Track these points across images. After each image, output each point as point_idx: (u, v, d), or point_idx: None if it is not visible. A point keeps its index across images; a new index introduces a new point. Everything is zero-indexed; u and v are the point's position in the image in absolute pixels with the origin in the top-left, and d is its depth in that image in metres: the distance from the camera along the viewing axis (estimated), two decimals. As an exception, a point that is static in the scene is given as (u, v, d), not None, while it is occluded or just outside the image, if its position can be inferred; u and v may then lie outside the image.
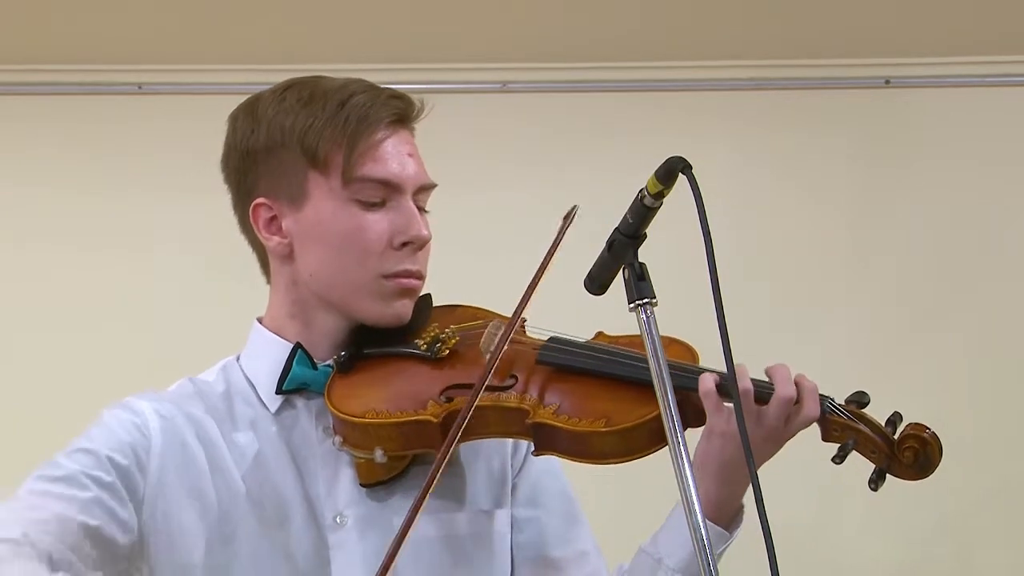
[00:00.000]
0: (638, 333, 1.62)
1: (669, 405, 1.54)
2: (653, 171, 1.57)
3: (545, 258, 1.73)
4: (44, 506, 1.60)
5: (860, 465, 1.67)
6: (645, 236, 1.61)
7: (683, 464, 1.53)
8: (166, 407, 1.71)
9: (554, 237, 1.74)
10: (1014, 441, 3.10)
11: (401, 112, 1.72)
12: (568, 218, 1.76)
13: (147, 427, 1.69)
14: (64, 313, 3.19)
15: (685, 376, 1.66)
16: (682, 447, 1.54)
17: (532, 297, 1.72)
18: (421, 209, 1.74)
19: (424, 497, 1.59)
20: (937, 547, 3.13)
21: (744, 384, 1.63)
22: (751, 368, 1.67)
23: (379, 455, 1.68)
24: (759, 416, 1.62)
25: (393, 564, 1.55)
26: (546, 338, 1.75)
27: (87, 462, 1.64)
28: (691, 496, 1.53)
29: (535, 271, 1.72)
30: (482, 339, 1.75)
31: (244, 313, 1.83)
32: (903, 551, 3.13)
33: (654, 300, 1.58)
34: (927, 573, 3.17)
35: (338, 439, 1.70)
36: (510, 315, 1.73)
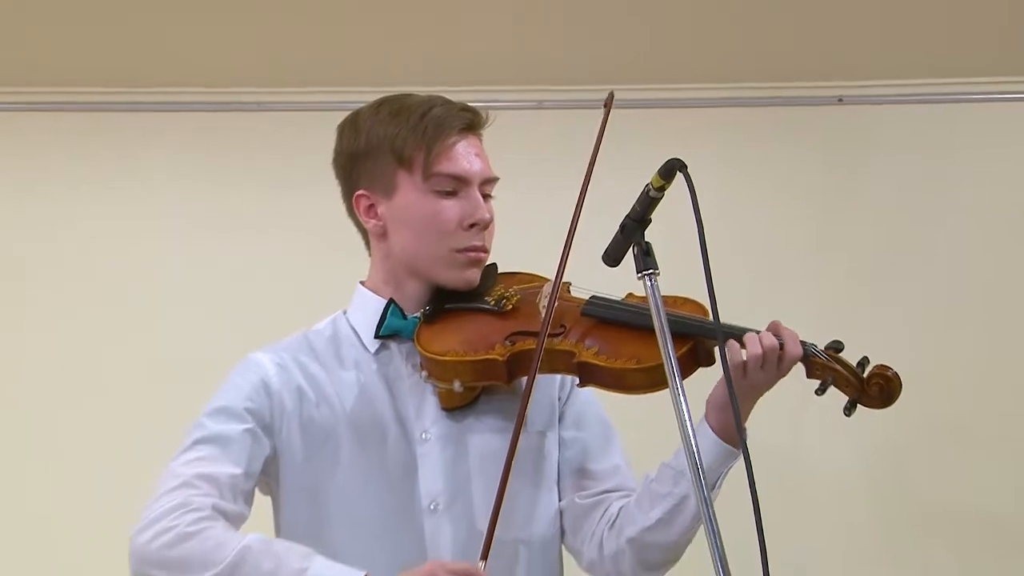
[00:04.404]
0: (666, 294, 1.80)
1: (668, 350, 1.73)
2: (655, 171, 1.77)
3: (593, 152, 1.85)
4: (203, 468, 1.81)
5: (830, 396, 1.86)
6: (650, 221, 1.80)
7: (680, 399, 1.72)
8: (280, 356, 1.92)
9: (600, 125, 1.85)
10: (951, 380, 3.31)
11: (470, 121, 1.93)
12: (608, 104, 1.86)
13: (267, 374, 1.90)
14: (219, 286, 3.36)
15: (696, 325, 1.85)
16: (679, 385, 1.72)
17: (575, 239, 1.85)
18: (487, 196, 1.94)
19: (523, 417, 1.79)
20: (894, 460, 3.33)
21: (753, 349, 1.79)
22: (735, 320, 1.85)
23: (456, 386, 1.89)
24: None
25: (512, 465, 1.75)
26: (588, 296, 1.93)
27: (227, 418, 1.86)
28: (686, 421, 1.72)
29: (581, 185, 1.83)
30: (538, 296, 1.94)
31: (343, 282, 2.04)
32: (866, 463, 3.34)
33: (657, 271, 1.78)
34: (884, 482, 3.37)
35: (424, 373, 1.91)
36: (559, 264, 1.87)
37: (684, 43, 3.02)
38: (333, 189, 2.02)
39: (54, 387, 3.40)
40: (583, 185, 1.86)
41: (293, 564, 1.71)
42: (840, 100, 3.46)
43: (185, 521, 1.74)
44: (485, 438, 1.91)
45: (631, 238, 1.79)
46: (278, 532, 1.94)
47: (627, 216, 1.80)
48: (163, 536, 1.74)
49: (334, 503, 1.87)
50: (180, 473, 1.80)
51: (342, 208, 2.01)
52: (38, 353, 3.43)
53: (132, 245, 3.43)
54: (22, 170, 3.47)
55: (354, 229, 2.02)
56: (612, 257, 1.81)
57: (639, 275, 1.78)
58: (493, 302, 1.96)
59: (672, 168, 1.75)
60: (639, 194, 1.79)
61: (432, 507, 1.87)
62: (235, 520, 1.80)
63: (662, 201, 1.80)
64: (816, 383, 1.86)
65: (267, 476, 1.89)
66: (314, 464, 1.87)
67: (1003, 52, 3.42)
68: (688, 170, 1.75)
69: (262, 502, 1.94)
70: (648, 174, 1.79)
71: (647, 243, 1.79)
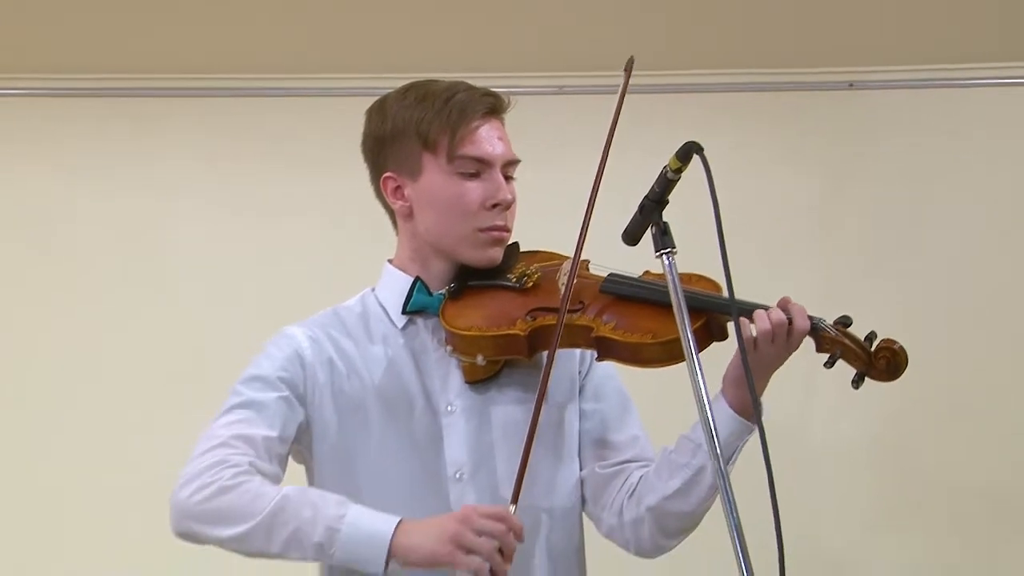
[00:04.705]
0: (681, 272, 1.83)
1: (686, 325, 1.77)
2: (672, 153, 1.80)
3: (614, 117, 1.86)
4: (240, 429, 1.86)
5: (839, 369, 1.90)
6: (667, 201, 1.83)
7: (697, 372, 1.76)
8: (313, 331, 1.97)
9: (620, 89, 1.87)
10: (955, 355, 3.37)
11: (492, 106, 1.97)
12: (628, 69, 1.88)
13: (300, 346, 1.94)
14: (253, 267, 3.44)
15: (711, 301, 1.89)
16: (696, 358, 1.76)
17: (595, 220, 1.86)
18: (509, 178, 1.97)
19: (544, 389, 1.83)
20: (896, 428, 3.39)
21: (762, 324, 1.83)
22: (747, 298, 1.88)
23: (480, 359, 1.93)
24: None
25: (535, 434, 1.80)
26: (606, 274, 1.97)
27: (262, 386, 1.90)
28: (703, 394, 1.76)
29: (602, 151, 1.86)
30: (558, 274, 1.98)
31: (371, 261, 2.09)
32: (873, 434, 3.39)
33: (674, 249, 1.81)
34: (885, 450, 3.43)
35: (449, 348, 1.95)
36: (578, 243, 1.90)
37: (701, 30, 3.06)
38: (362, 172, 2.05)
39: (79, 367, 3.45)
40: (603, 155, 1.88)
41: (331, 510, 1.75)
42: (851, 85, 3.50)
43: (224, 476, 1.79)
44: (507, 410, 1.95)
45: (650, 218, 1.82)
46: (310, 472, 1.98)
47: (646, 197, 1.83)
48: (203, 491, 1.78)
49: (364, 471, 1.92)
50: (217, 435, 1.85)
51: (370, 190, 2.05)
52: (64, 334, 3.48)
53: (168, 230, 3.49)
54: (63, 155, 3.51)
55: (381, 210, 2.06)
56: (631, 236, 1.85)
57: (657, 254, 1.81)
58: (515, 279, 1.99)
59: (689, 151, 1.79)
60: (657, 176, 1.83)
61: (457, 475, 1.91)
62: (271, 479, 1.84)
63: (678, 184, 1.83)
64: (825, 357, 1.88)
65: (300, 445, 1.93)
66: (345, 434, 1.92)
67: (1010, 38, 3.46)
68: (704, 152, 1.78)
69: (294, 471, 1.97)
70: (665, 157, 1.82)
71: (665, 223, 1.82)
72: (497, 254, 1.99)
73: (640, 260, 1.94)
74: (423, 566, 1.76)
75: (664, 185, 1.82)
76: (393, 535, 1.74)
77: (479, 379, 1.96)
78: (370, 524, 1.76)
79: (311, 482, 1.97)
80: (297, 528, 1.75)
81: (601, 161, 1.89)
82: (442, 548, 1.73)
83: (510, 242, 2.02)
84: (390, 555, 1.74)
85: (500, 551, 1.74)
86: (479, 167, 1.96)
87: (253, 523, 1.76)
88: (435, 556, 1.74)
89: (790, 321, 1.84)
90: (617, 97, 1.88)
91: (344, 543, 1.74)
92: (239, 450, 1.83)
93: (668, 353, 1.88)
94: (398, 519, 1.76)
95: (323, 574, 1.97)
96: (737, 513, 1.73)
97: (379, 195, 2.03)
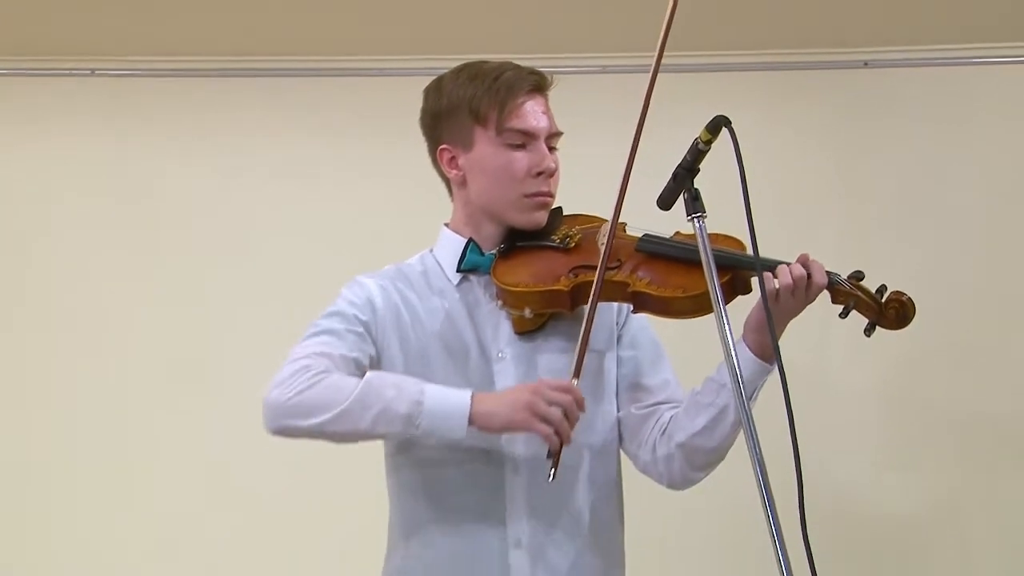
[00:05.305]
0: (709, 232, 1.92)
1: (715, 280, 1.88)
2: (702, 127, 1.90)
3: (661, 44, 1.92)
4: (320, 349, 1.97)
5: (853, 319, 2.00)
6: (698, 170, 1.92)
7: (724, 321, 1.86)
8: (382, 281, 2.09)
9: (667, 16, 1.92)
10: (957, 306, 3.45)
11: (536, 83, 2.07)
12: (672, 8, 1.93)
13: (372, 293, 2.06)
14: (330, 230, 3.57)
15: (736, 258, 1.97)
16: (724, 310, 1.87)
17: (631, 188, 1.94)
18: (552, 148, 2.07)
19: (587, 337, 1.93)
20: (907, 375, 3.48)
21: (784, 279, 1.92)
22: (769, 255, 1.96)
23: (527, 312, 2.04)
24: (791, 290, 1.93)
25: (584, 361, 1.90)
26: (641, 234, 2.06)
27: (339, 320, 2.02)
28: (730, 341, 1.87)
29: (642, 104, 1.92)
30: (597, 235, 2.06)
31: (427, 225, 2.21)
32: (883, 377, 3.49)
33: (704, 214, 1.91)
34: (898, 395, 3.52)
35: (499, 302, 2.05)
36: (616, 206, 1.97)
37: (729, 13, 3.12)
38: (421, 144, 2.15)
39: (165, 324, 3.60)
40: (638, 128, 1.95)
41: (412, 388, 1.89)
42: (866, 64, 3.56)
43: (309, 375, 1.91)
44: (552, 357, 2.05)
45: (682, 185, 1.91)
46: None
47: (678, 166, 1.92)
48: (292, 388, 1.90)
49: None
50: (299, 354, 1.96)
51: (427, 160, 2.15)
52: (146, 298, 3.62)
53: (256, 200, 3.63)
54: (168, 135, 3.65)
55: (438, 178, 2.16)
56: (665, 201, 1.94)
57: (689, 217, 1.91)
58: (559, 240, 2.08)
59: (718, 124, 1.88)
60: (689, 147, 1.92)
61: None
62: None
63: (708, 156, 1.91)
64: (840, 308, 1.98)
65: None
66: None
67: (1018, 17, 3.50)
68: (732, 125, 1.88)
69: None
70: (695, 131, 1.91)
71: (696, 189, 1.91)
72: (542, 217, 2.08)
73: (672, 222, 2.03)
74: (499, 431, 1.91)
75: (695, 155, 1.91)
76: (471, 404, 1.88)
77: (527, 330, 2.05)
78: (449, 396, 1.90)
79: None
80: (384, 406, 1.87)
81: (636, 133, 1.97)
82: (518, 415, 1.87)
83: (554, 206, 2.11)
84: (470, 421, 1.87)
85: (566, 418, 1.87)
86: (525, 139, 2.05)
87: (342, 407, 1.87)
88: (511, 422, 1.89)
89: (809, 276, 1.93)
90: (650, 76, 1.96)
91: (428, 413, 1.87)
92: (321, 363, 1.94)
93: (696, 306, 1.97)
94: (470, 392, 1.90)
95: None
96: (759, 447, 1.82)
97: (436, 165, 2.13)
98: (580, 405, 1.90)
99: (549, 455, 1.92)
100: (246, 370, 3.29)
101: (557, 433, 1.88)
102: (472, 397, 1.90)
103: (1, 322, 3.64)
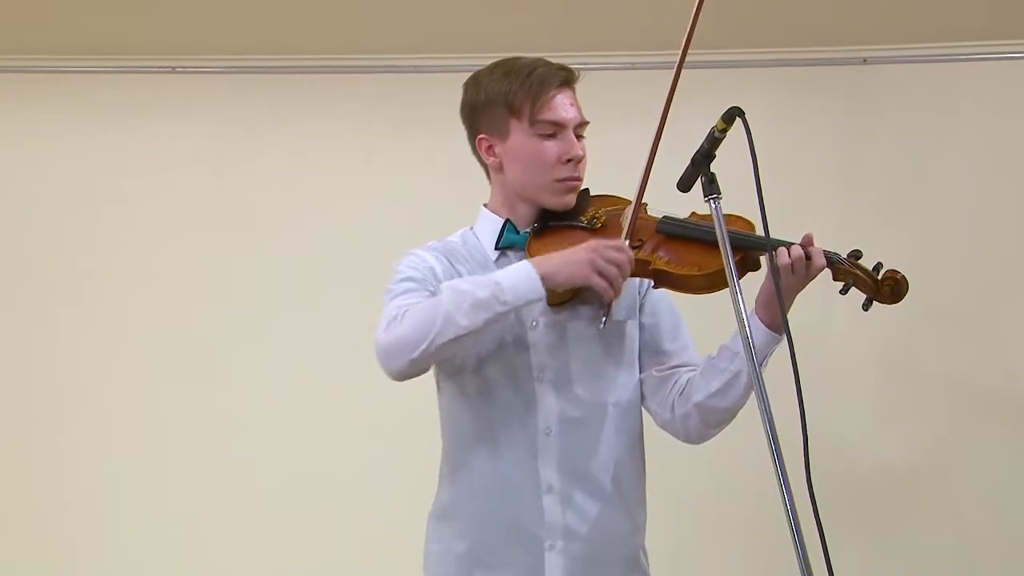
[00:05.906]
0: (724, 214, 2.01)
1: (729, 258, 1.97)
2: (718, 117, 1.99)
3: (689, 30, 1.99)
4: (405, 301, 2.05)
5: (852, 295, 2.09)
6: (715, 156, 2.01)
7: (738, 294, 1.97)
8: (435, 253, 2.18)
9: (676, 65, 2.01)
10: (947, 282, 3.54)
11: (566, 78, 2.16)
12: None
13: (431, 264, 2.15)
14: (383, 210, 3.68)
15: (747, 239, 2.07)
16: (738, 285, 1.96)
17: (653, 172, 2.04)
18: (580, 137, 2.17)
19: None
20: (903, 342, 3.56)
21: (783, 259, 2.01)
22: (776, 235, 2.04)
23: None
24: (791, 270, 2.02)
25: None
26: (661, 216, 2.14)
27: (411, 283, 2.12)
28: (743, 312, 1.97)
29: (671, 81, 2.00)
30: (622, 216, 2.15)
31: (466, 206, 2.30)
32: (880, 347, 3.60)
33: (720, 196, 1.99)
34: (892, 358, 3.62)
35: None
36: (638, 190, 2.06)
37: (728, 14, 3.20)
38: (462, 134, 2.26)
39: (175, 323, 3.69)
40: (661, 119, 2.04)
41: (483, 278, 2.01)
42: (864, 61, 3.64)
43: (401, 314, 2.02)
44: (580, 325, 2.15)
45: (700, 169, 2.01)
46: (440, 380, 2.21)
47: (696, 152, 2.02)
48: (392, 330, 2.00)
49: (471, 364, 2.14)
50: (390, 311, 2.05)
51: (468, 148, 2.25)
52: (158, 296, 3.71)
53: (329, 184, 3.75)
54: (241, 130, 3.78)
55: (477, 164, 2.26)
56: (684, 184, 2.04)
57: (706, 199, 2.01)
58: (586, 221, 2.17)
59: (733, 114, 1.98)
60: (706, 135, 2.01)
61: (539, 376, 2.13)
62: None
63: (722, 143, 2.00)
64: (840, 285, 2.08)
65: None
66: None
67: (1000, 18, 3.59)
68: (745, 115, 1.98)
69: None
70: (711, 121, 2.01)
71: (712, 173, 2.01)
72: (571, 200, 2.18)
73: (688, 203, 2.12)
74: (564, 286, 2.02)
75: (712, 142, 2.01)
76: (534, 267, 2.00)
77: (558, 302, 2.12)
78: (513, 270, 2.01)
79: (438, 370, 2.21)
80: (472, 299, 1.97)
81: (660, 123, 2.08)
82: (580, 270, 2.00)
83: (582, 189, 2.20)
84: (541, 281, 1.99)
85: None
86: (555, 129, 2.15)
87: (440, 321, 1.96)
88: (574, 277, 2.01)
89: (808, 256, 2.04)
90: (674, 72, 2.06)
91: (508, 287, 1.99)
92: (405, 302, 2.06)
93: (711, 283, 2.07)
94: (526, 261, 2.02)
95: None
96: (770, 407, 1.92)
97: (475, 152, 2.23)
98: (631, 262, 2.02)
99: (601, 306, 2.06)
100: (256, 370, 3.56)
101: (612, 287, 2.00)
102: (532, 262, 2.01)
103: (7, 321, 3.74)
